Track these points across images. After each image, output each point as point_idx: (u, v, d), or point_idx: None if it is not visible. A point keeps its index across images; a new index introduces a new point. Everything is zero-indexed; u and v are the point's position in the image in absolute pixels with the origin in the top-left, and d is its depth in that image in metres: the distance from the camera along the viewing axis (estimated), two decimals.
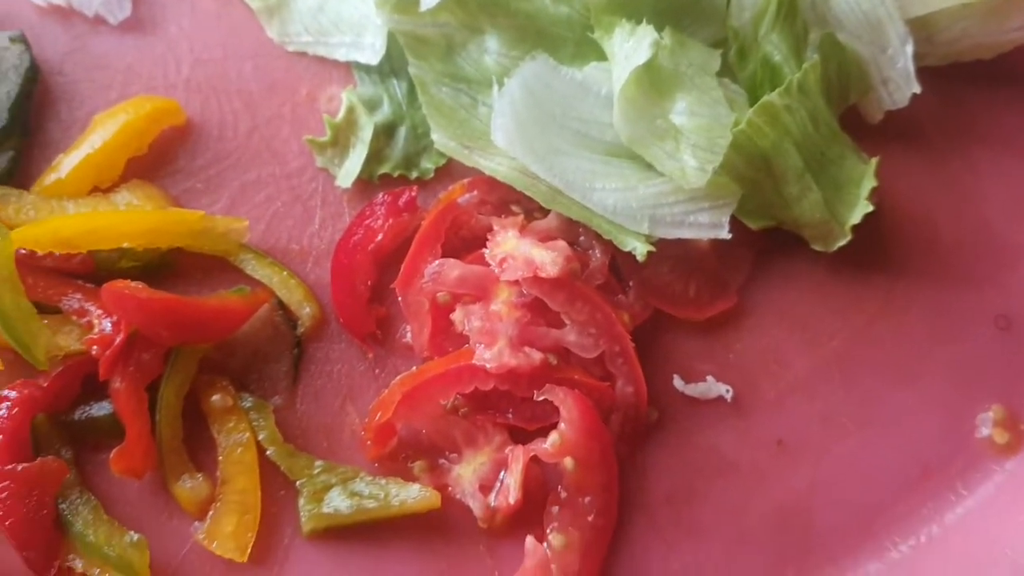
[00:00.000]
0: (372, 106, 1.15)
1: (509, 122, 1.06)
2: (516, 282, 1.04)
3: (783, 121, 1.07)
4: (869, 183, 1.10)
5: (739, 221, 1.10)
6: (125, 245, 1.01)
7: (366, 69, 1.16)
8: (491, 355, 1.01)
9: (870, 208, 1.08)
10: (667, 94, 1.06)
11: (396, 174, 1.13)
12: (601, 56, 1.10)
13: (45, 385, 0.99)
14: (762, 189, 1.10)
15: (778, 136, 1.07)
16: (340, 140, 1.13)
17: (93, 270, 1.03)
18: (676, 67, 1.06)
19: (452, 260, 1.06)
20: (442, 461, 1.04)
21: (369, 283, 1.08)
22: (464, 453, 1.04)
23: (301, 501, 1.00)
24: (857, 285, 1.14)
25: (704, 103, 1.06)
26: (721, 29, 1.13)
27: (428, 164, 1.14)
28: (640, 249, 1.05)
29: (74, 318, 1.01)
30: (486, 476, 1.03)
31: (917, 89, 1.13)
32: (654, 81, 1.05)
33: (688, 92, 1.06)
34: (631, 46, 1.04)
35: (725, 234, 1.07)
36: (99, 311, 0.99)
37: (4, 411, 0.96)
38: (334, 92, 1.16)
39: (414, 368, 1.06)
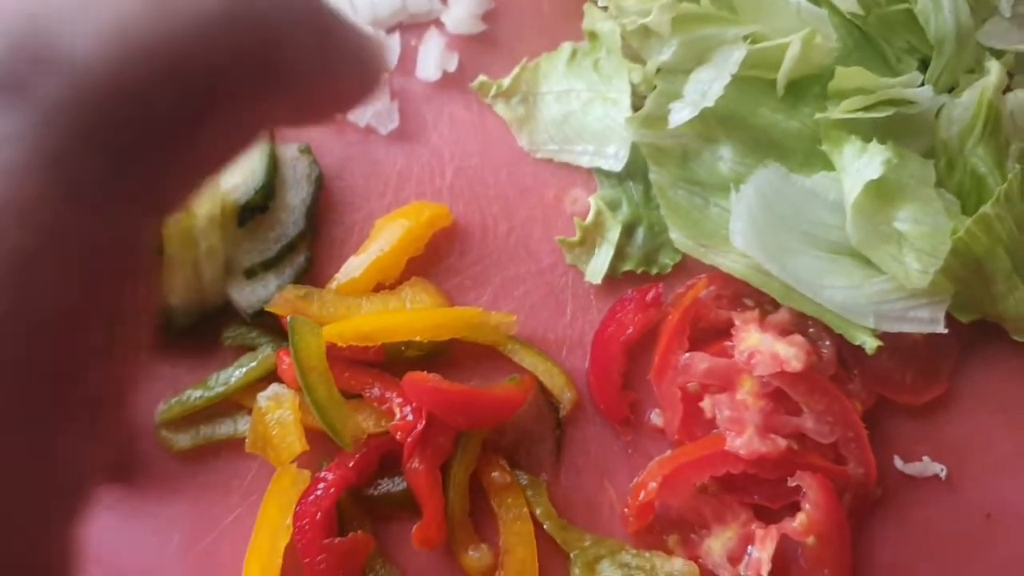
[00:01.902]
0: (613, 207, 1.23)
1: (746, 225, 1.14)
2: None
3: (995, 229, 1.14)
4: None
5: (949, 314, 1.17)
6: (415, 338, 1.11)
7: (606, 174, 1.24)
8: (742, 442, 1.08)
9: None
10: (893, 203, 1.13)
11: (639, 271, 1.21)
12: (827, 165, 1.17)
13: (351, 465, 1.08)
14: (972, 287, 1.17)
15: (991, 242, 1.14)
16: (588, 240, 1.21)
17: (383, 359, 1.12)
18: (900, 179, 1.13)
19: (700, 354, 1.14)
20: (693, 535, 1.11)
21: (622, 371, 1.16)
22: (713, 528, 1.11)
23: (576, 571, 1.07)
24: None
25: (926, 212, 1.13)
26: (930, 141, 1.20)
27: (666, 260, 1.21)
28: (870, 343, 1.12)
29: (374, 405, 1.10)
30: (734, 549, 1.10)
31: None
32: (881, 192, 1.12)
33: (912, 202, 1.13)
34: (864, 162, 1.11)
35: (942, 328, 1.13)
36: (399, 399, 1.08)
37: (322, 491, 1.05)
38: (578, 194, 1.24)
39: (668, 451, 1.14)
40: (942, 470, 1.16)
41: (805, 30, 1.14)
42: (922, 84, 1.19)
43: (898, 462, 1.16)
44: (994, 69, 1.19)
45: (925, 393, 1.18)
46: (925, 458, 1.16)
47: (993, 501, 1.15)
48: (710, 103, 1.14)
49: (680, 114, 1.14)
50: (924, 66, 1.23)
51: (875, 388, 1.16)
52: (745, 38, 1.15)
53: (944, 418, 1.18)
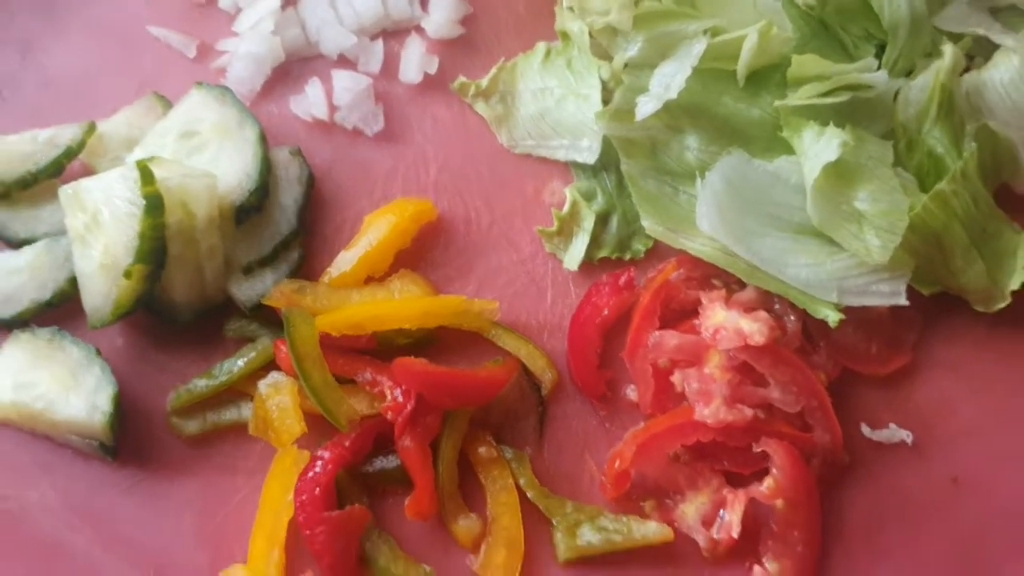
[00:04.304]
0: (588, 197, 1.31)
1: (712, 210, 1.21)
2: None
3: (951, 205, 1.21)
4: None
5: (912, 287, 1.23)
6: (403, 326, 1.20)
7: (581, 166, 1.32)
8: (710, 412, 1.15)
9: None
10: (851, 184, 1.19)
11: (614, 256, 1.29)
12: (788, 150, 1.24)
13: (347, 444, 1.17)
14: (932, 261, 1.23)
15: (947, 218, 1.20)
16: (565, 229, 1.29)
17: (375, 346, 1.21)
18: (858, 160, 1.20)
19: (670, 331, 1.21)
20: (668, 501, 1.19)
21: (598, 351, 1.25)
22: (687, 494, 1.18)
23: (557, 535, 1.16)
24: (1015, 339, 1.26)
25: (883, 191, 1.20)
26: (889, 123, 1.27)
27: (639, 246, 1.29)
28: (832, 317, 1.19)
29: (367, 388, 1.18)
30: (707, 513, 1.17)
31: None
32: (840, 173, 1.19)
33: (869, 182, 1.19)
34: (821, 145, 1.18)
35: (903, 301, 1.20)
36: (389, 382, 1.16)
37: (319, 468, 1.14)
38: (555, 187, 1.32)
39: (642, 423, 1.22)
40: (908, 436, 1.22)
41: (762, 22, 1.21)
42: (878, 69, 1.26)
43: (865, 429, 1.23)
44: (948, 52, 1.26)
45: (890, 363, 1.25)
46: (892, 425, 1.23)
47: (959, 465, 1.22)
48: (674, 95, 1.21)
49: (646, 107, 1.22)
50: (881, 51, 1.29)
51: (841, 360, 1.23)
52: (705, 32, 1.23)
53: (909, 387, 1.25)
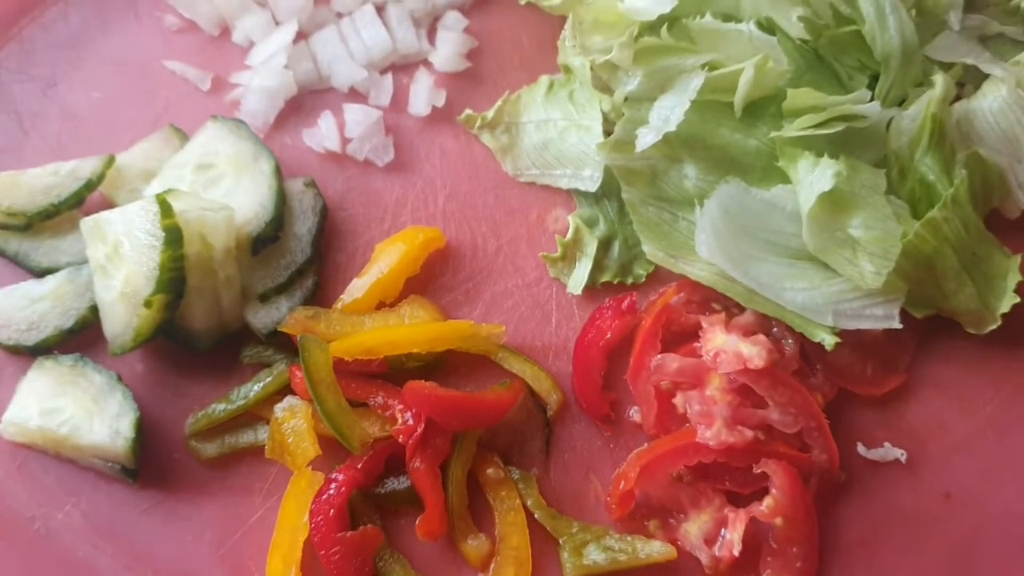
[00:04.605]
0: (590, 224, 1.35)
1: (710, 236, 1.26)
2: None
3: (942, 231, 1.25)
4: (1015, 277, 1.26)
5: (905, 310, 1.27)
6: (413, 351, 1.24)
7: (583, 194, 1.37)
8: (711, 434, 1.20)
9: (1017, 299, 1.25)
10: (846, 212, 1.23)
11: (616, 281, 1.33)
12: (784, 179, 1.28)
13: (360, 466, 1.21)
14: (924, 285, 1.27)
15: (939, 243, 1.25)
16: (568, 255, 1.34)
17: (386, 370, 1.25)
18: (852, 189, 1.24)
19: (672, 355, 1.25)
20: (671, 520, 1.23)
21: (602, 373, 1.29)
22: (689, 513, 1.22)
23: (564, 555, 1.20)
24: (1005, 360, 1.30)
25: (876, 218, 1.24)
26: (882, 151, 1.31)
27: (640, 271, 1.34)
28: (829, 340, 1.23)
29: (378, 412, 1.22)
30: (709, 532, 1.21)
31: None
32: (835, 202, 1.23)
33: (863, 209, 1.24)
34: (816, 175, 1.22)
35: (897, 324, 1.24)
36: (400, 406, 1.20)
37: (334, 490, 1.18)
38: (559, 214, 1.37)
39: (645, 444, 1.26)
40: (902, 454, 1.26)
41: (758, 56, 1.26)
42: (871, 100, 1.30)
43: (861, 448, 1.27)
44: (939, 82, 1.30)
45: (885, 384, 1.29)
46: (886, 444, 1.27)
47: (951, 482, 1.26)
48: (672, 127, 1.25)
49: (646, 139, 1.26)
50: (875, 81, 1.34)
51: (837, 381, 1.28)
52: (703, 66, 1.27)
53: (903, 406, 1.29)
